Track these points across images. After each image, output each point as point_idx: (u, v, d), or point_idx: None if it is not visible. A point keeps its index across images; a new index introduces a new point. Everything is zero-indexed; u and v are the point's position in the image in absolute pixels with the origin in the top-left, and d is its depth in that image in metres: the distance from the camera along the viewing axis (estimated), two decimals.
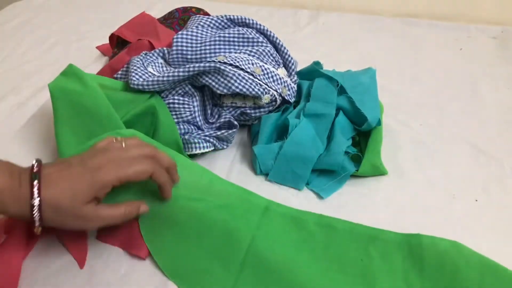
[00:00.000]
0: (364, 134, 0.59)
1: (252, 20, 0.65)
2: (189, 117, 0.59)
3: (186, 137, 0.56)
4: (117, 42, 0.79)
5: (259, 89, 0.57)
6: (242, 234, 0.47)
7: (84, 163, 0.41)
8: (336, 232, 0.48)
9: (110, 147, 0.44)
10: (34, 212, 0.38)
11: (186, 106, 0.58)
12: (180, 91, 0.59)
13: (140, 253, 0.47)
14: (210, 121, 0.61)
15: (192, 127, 0.59)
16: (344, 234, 0.48)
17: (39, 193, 0.38)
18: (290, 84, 0.62)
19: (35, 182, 0.38)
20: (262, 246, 0.47)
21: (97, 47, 0.86)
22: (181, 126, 0.58)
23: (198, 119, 0.59)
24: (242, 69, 0.58)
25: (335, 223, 0.49)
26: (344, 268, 0.45)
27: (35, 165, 0.40)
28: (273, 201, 0.52)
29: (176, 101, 0.58)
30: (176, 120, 0.58)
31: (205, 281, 0.45)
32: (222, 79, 0.57)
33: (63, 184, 0.39)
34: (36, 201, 0.38)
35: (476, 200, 0.53)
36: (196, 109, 0.59)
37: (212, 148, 0.58)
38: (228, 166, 0.58)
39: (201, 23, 0.66)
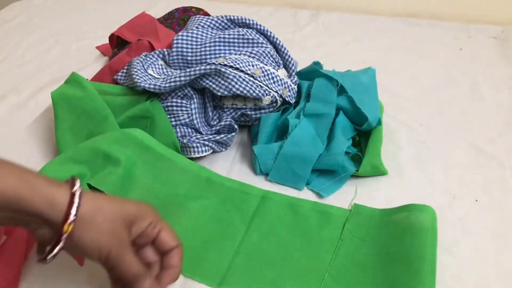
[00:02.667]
0: (364, 134, 0.59)
1: (252, 20, 0.65)
2: (187, 120, 0.59)
3: (185, 141, 0.56)
4: (117, 42, 0.79)
5: (259, 91, 0.57)
6: (238, 226, 0.50)
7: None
8: (330, 216, 0.50)
9: None
10: (76, 198, 0.33)
11: (184, 109, 0.59)
12: (179, 94, 0.59)
13: None
14: (212, 123, 0.61)
15: (190, 130, 0.59)
16: (339, 218, 0.50)
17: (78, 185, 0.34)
18: (291, 85, 0.62)
19: (76, 192, 0.34)
20: (257, 233, 0.49)
21: (97, 47, 0.86)
22: (179, 129, 0.58)
23: (196, 121, 0.59)
24: (242, 71, 0.58)
25: (330, 208, 0.51)
26: (334, 249, 0.47)
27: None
28: (271, 191, 0.54)
29: (174, 104, 0.58)
30: (174, 123, 0.59)
31: (200, 266, 0.46)
32: (222, 81, 0.57)
33: (117, 200, 0.36)
34: (77, 188, 0.34)
35: (476, 200, 0.53)
36: (194, 111, 0.59)
37: (211, 151, 0.58)
38: (228, 166, 0.58)
39: (201, 24, 0.66)
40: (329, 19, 0.95)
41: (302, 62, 0.67)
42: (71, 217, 0.32)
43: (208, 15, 0.83)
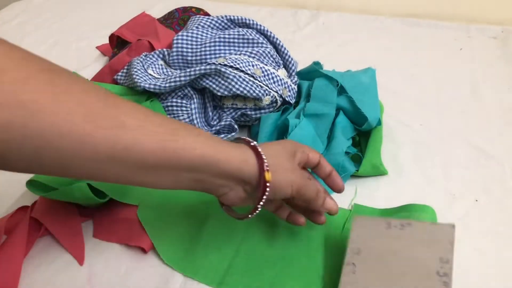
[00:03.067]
0: (364, 134, 0.59)
1: (252, 20, 0.65)
2: (187, 120, 0.59)
3: None
4: (117, 42, 0.79)
5: (259, 91, 0.57)
6: (238, 226, 0.50)
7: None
8: (330, 216, 0.49)
9: None
10: (260, 150, 0.38)
11: (184, 109, 0.59)
12: (179, 94, 0.59)
13: (142, 245, 0.48)
14: (212, 123, 0.61)
15: None
16: (339, 218, 0.50)
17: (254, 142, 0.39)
18: (291, 85, 0.62)
19: (256, 145, 0.39)
20: (256, 233, 0.49)
21: (97, 47, 0.86)
22: None
23: (196, 121, 0.59)
24: (242, 71, 0.58)
25: None
26: (334, 249, 0.47)
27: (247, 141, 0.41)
28: None
29: (174, 104, 0.58)
30: None
31: (200, 266, 0.46)
32: (222, 81, 0.57)
33: (271, 143, 0.41)
34: (256, 143, 0.38)
35: (476, 200, 0.53)
36: (194, 111, 0.59)
37: None
38: None
39: (201, 24, 0.66)
40: (329, 19, 0.95)
41: (302, 62, 0.67)
42: (266, 166, 0.37)
43: (208, 15, 0.83)
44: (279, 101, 0.60)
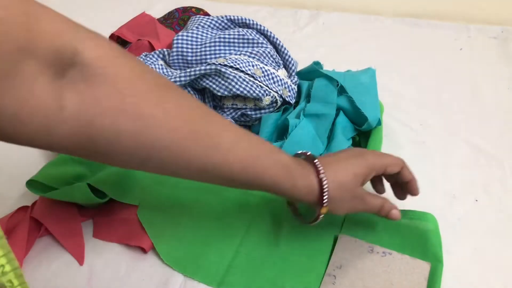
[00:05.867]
0: (364, 134, 0.59)
1: (252, 20, 0.65)
2: None
3: None
4: (117, 42, 0.79)
5: (259, 91, 0.57)
6: (238, 226, 0.50)
7: (348, 152, 0.44)
8: (330, 215, 0.49)
9: None
10: (324, 184, 0.40)
11: None
12: None
13: (142, 245, 0.48)
14: None
15: None
16: (338, 217, 0.50)
17: (323, 171, 0.40)
18: (291, 85, 0.62)
19: (316, 161, 0.41)
20: (256, 233, 0.49)
21: None
22: None
23: None
24: (242, 71, 0.58)
25: None
26: (333, 248, 0.47)
27: (304, 152, 0.43)
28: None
29: None
30: None
31: (200, 266, 0.46)
32: (222, 82, 0.57)
33: (342, 164, 0.42)
34: (323, 175, 0.40)
35: (476, 200, 0.53)
36: None
37: None
38: None
39: (201, 24, 0.66)
40: (329, 19, 0.95)
41: (302, 62, 0.67)
42: (325, 202, 0.40)
43: (208, 15, 0.83)
44: (279, 101, 0.60)
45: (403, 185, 0.47)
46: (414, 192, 0.47)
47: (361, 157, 0.43)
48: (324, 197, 0.40)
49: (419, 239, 0.47)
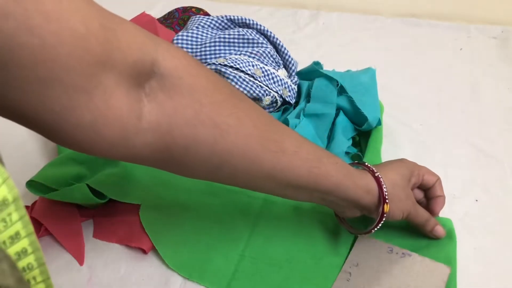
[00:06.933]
0: (364, 134, 0.59)
1: (252, 20, 0.65)
2: None
3: None
4: None
5: (259, 91, 0.57)
6: (241, 229, 0.49)
7: (388, 162, 0.46)
8: (333, 217, 0.49)
9: None
10: (381, 182, 0.41)
11: None
12: None
13: (142, 246, 0.48)
14: None
15: None
16: None
17: (376, 170, 0.42)
18: (291, 85, 0.62)
19: (367, 163, 0.43)
20: (261, 236, 0.49)
21: None
22: None
23: None
24: (242, 71, 0.58)
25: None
26: (339, 250, 0.47)
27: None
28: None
29: None
30: None
31: (206, 271, 0.46)
32: None
33: (387, 167, 0.44)
34: (378, 173, 0.42)
35: (476, 200, 0.53)
36: None
37: None
38: None
39: (201, 24, 0.66)
40: (329, 19, 0.95)
41: (302, 62, 0.67)
42: (387, 198, 0.41)
43: (208, 15, 0.83)
44: (279, 101, 0.60)
45: (430, 201, 0.47)
46: (437, 209, 0.47)
47: (400, 161, 0.46)
48: (385, 193, 0.41)
49: (439, 244, 0.46)
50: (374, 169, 0.42)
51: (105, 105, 0.29)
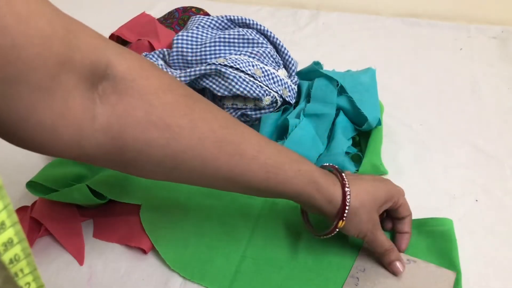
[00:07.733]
0: (364, 134, 0.59)
1: (252, 20, 0.65)
2: None
3: None
4: (117, 42, 0.79)
5: (259, 91, 0.57)
6: (242, 230, 0.49)
7: (373, 178, 0.45)
8: None
9: None
10: (347, 198, 0.40)
11: None
12: None
13: (142, 246, 0.48)
14: None
15: None
16: None
17: (348, 185, 0.41)
18: (291, 85, 0.62)
19: (344, 174, 0.42)
20: (262, 237, 0.49)
21: None
22: None
23: None
24: (242, 71, 0.58)
25: None
26: (339, 250, 0.47)
27: (332, 165, 0.44)
28: None
29: None
30: None
31: (206, 270, 0.46)
32: (223, 82, 0.57)
33: (366, 185, 0.42)
34: (348, 190, 0.40)
35: (476, 200, 0.53)
36: None
37: None
38: None
39: (201, 24, 0.66)
40: (329, 19, 0.95)
41: (302, 62, 0.67)
42: (345, 216, 0.40)
43: (208, 15, 0.83)
44: (279, 101, 0.60)
45: (396, 236, 0.47)
46: (402, 246, 0.46)
47: (385, 184, 0.44)
48: (346, 211, 0.40)
49: (443, 247, 0.46)
50: (346, 182, 0.41)
51: (65, 106, 0.29)
